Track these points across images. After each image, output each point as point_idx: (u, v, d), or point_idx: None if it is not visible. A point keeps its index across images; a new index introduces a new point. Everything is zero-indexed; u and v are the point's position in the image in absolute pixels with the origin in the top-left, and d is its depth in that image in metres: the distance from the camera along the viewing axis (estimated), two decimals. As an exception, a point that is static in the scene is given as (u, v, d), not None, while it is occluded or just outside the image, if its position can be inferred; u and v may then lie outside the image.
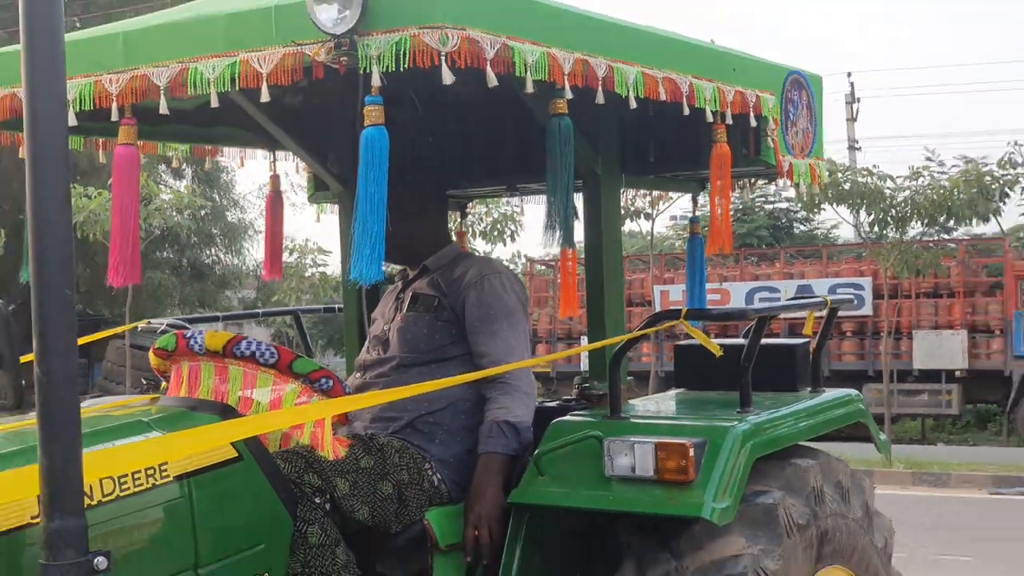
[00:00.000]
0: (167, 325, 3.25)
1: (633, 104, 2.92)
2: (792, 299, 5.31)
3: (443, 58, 2.41)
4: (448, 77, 2.42)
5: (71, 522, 2.03)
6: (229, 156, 4.49)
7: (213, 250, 25.57)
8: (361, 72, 2.46)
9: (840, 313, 17.62)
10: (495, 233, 15.94)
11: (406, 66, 2.42)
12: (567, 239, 2.88)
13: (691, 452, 2.94)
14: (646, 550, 3.04)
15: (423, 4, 2.44)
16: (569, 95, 2.73)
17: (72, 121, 2.93)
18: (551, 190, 2.81)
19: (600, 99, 2.82)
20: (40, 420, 2.02)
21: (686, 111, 3.11)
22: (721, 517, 2.91)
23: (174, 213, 20.14)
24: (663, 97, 3.01)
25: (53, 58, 2.03)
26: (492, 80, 2.49)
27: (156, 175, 23.31)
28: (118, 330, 4.25)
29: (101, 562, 2.09)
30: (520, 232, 17.14)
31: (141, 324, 3.39)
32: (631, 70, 2.89)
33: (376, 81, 2.45)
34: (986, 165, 14.81)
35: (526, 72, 2.57)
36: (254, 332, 21.39)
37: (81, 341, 4.61)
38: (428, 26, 2.41)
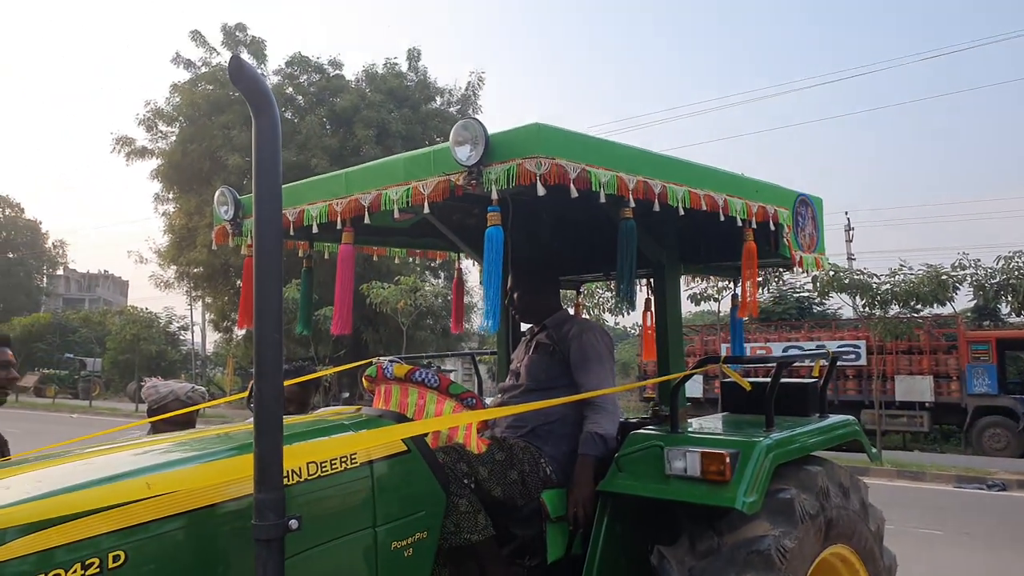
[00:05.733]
0: (388, 361, 2.96)
1: (681, 212, 2.53)
2: (802, 353, 4.71)
3: (538, 177, 2.09)
4: (541, 191, 2.10)
5: (272, 494, 1.74)
6: (470, 262, 4.20)
7: (456, 320, 25.66)
8: (485, 191, 2.17)
9: (844, 363, 16.66)
10: (616, 309, 15.50)
11: (514, 184, 2.12)
12: (631, 306, 2.51)
13: (727, 459, 2.51)
14: (696, 529, 2.59)
15: (525, 143, 2.12)
16: (632, 204, 2.36)
17: (315, 229, 2.75)
18: (619, 271, 2.43)
19: (656, 208, 2.45)
20: (255, 424, 1.75)
21: (721, 218, 2.71)
22: (750, 508, 2.46)
23: (433, 298, 20.41)
24: (704, 208, 2.61)
25: (272, 197, 1.80)
26: (573, 192, 2.15)
27: (423, 276, 23.78)
28: (358, 364, 3.95)
29: (293, 523, 1.79)
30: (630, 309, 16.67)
31: (374, 359, 3.10)
32: (679, 188, 2.51)
33: (494, 195, 2.14)
34: (943, 268, 13.86)
35: (600, 188, 2.23)
36: (460, 366, 21.36)
37: (342, 368, 4.43)
38: (528, 157, 2.11)
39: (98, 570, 1.64)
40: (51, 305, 52.43)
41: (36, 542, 1.57)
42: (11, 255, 45.36)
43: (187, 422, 3.43)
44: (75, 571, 1.61)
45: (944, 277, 13.66)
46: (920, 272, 14.09)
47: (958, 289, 13.91)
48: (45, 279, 50.44)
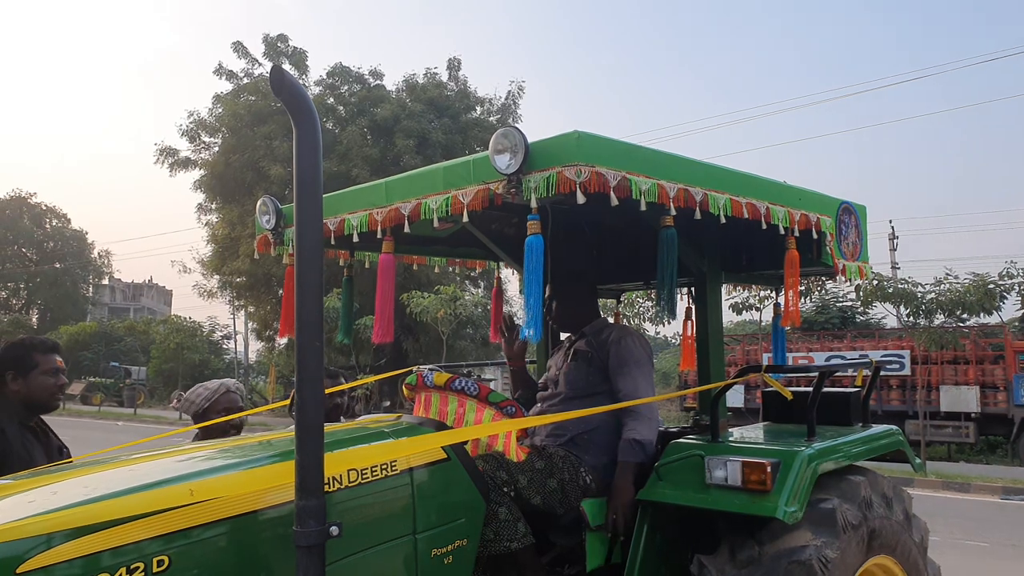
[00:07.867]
0: (428, 369, 2.97)
1: (723, 220, 2.51)
2: (844, 362, 4.62)
3: (578, 186, 2.09)
4: (581, 199, 2.10)
5: (313, 501, 1.76)
6: (510, 271, 4.20)
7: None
8: (525, 199, 2.17)
9: (888, 373, 16.23)
10: (657, 318, 15.36)
11: (553, 192, 2.12)
12: (671, 314, 2.49)
13: (768, 469, 2.48)
14: (736, 539, 2.57)
15: (564, 151, 2.13)
16: (673, 212, 2.35)
17: (355, 239, 2.78)
18: (660, 279, 2.41)
19: (697, 215, 2.43)
20: (297, 432, 1.77)
21: (764, 226, 2.69)
22: (791, 518, 2.43)
23: (473, 307, 20.47)
24: (746, 216, 2.59)
25: (313, 206, 1.83)
26: (614, 200, 2.15)
27: (463, 285, 23.85)
28: (399, 372, 4.00)
29: (334, 530, 1.81)
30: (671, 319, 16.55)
31: (414, 368, 3.12)
32: (721, 196, 2.50)
33: (534, 204, 2.15)
34: (990, 277, 13.54)
35: (640, 196, 2.23)
36: (500, 375, 21.23)
37: (382, 377, 4.51)
38: (568, 165, 2.11)
39: (143, 575, 1.67)
40: (97, 314, 53.73)
41: (83, 546, 1.61)
42: (58, 265, 46.59)
43: (229, 425, 3.46)
44: (120, 575, 1.64)
45: (991, 286, 13.40)
46: (966, 281, 13.81)
47: (1005, 298, 13.70)
48: (91, 288, 51.62)
